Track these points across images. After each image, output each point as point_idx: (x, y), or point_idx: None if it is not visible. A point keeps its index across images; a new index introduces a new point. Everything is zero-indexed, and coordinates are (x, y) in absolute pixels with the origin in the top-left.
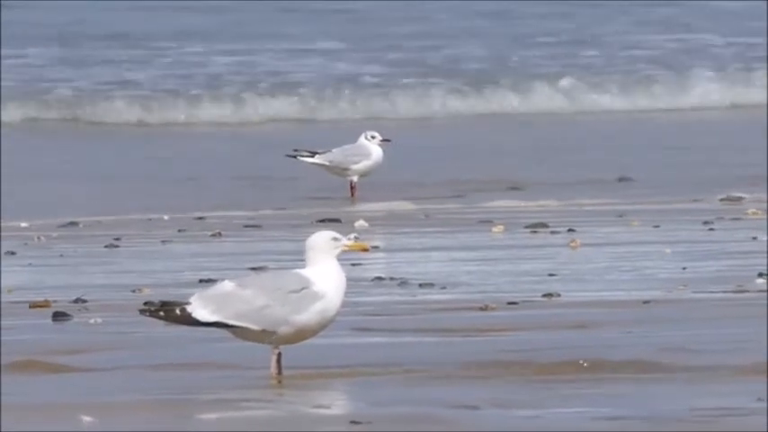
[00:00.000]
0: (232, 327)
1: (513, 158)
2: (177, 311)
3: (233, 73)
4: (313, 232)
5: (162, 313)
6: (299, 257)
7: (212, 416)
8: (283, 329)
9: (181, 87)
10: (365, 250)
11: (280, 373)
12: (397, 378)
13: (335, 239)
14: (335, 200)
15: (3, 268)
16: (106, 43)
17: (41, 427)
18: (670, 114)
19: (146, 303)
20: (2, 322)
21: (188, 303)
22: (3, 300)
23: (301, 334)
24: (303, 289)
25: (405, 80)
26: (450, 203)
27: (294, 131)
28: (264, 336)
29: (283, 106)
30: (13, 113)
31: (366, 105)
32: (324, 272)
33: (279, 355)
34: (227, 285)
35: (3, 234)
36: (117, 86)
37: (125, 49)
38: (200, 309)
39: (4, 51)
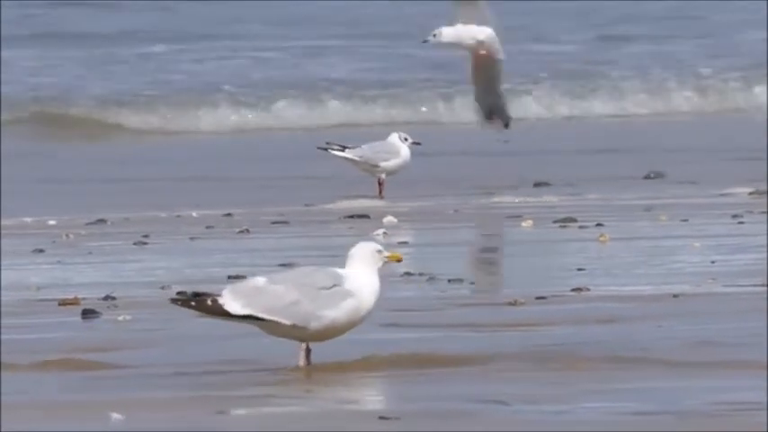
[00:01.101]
0: (263, 320)
1: (539, 158)
2: (209, 302)
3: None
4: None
5: (193, 303)
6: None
7: (241, 412)
8: (313, 325)
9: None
10: (399, 261)
11: (308, 364)
12: (426, 373)
13: (379, 252)
14: (364, 196)
15: (31, 266)
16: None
17: (71, 425)
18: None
19: (178, 293)
20: (32, 320)
21: (219, 295)
22: (32, 297)
23: (331, 330)
24: (334, 286)
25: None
26: (479, 199)
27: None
28: (295, 331)
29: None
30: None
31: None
32: (359, 273)
33: (308, 348)
34: (258, 280)
35: (32, 232)
36: (127, 90)
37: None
38: (231, 301)
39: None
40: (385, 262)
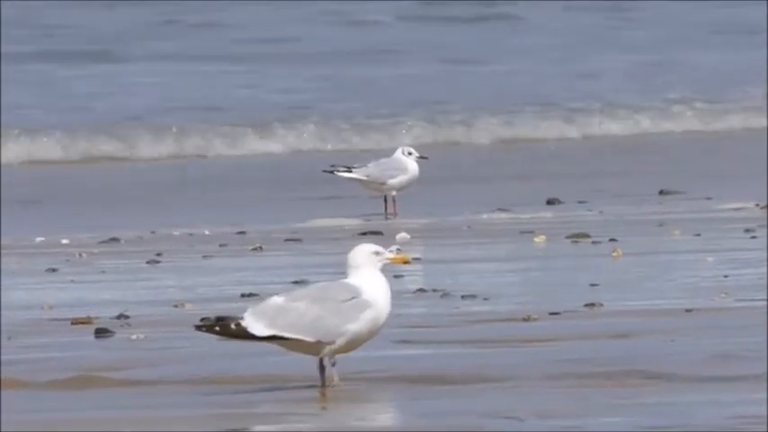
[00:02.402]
0: (287, 339)
1: (549, 177)
2: (233, 326)
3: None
4: (354, 245)
5: (218, 328)
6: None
7: (257, 430)
8: (338, 340)
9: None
10: (406, 262)
11: (324, 381)
12: (440, 390)
13: (377, 253)
14: (377, 213)
15: (44, 285)
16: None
17: None
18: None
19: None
20: (45, 339)
21: (242, 318)
22: (45, 317)
23: (354, 343)
24: (353, 298)
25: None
26: (492, 215)
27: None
28: (319, 347)
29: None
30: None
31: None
32: (370, 281)
33: (322, 365)
34: (277, 300)
35: (46, 251)
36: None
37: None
38: (254, 323)
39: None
40: (386, 263)
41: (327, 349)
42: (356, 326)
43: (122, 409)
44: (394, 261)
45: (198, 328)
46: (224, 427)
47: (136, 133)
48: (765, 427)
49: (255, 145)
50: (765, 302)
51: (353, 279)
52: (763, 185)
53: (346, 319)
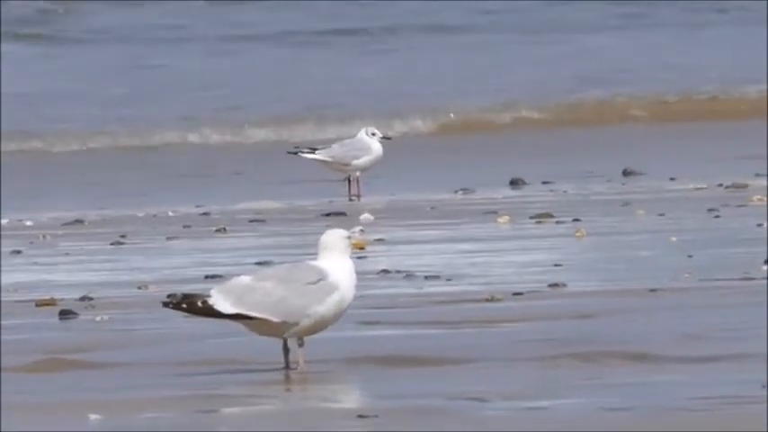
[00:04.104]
0: (251, 319)
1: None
2: (199, 304)
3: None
4: (321, 226)
5: (185, 305)
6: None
7: (220, 412)
8: (303, 321)
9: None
10: (361, 248)
11: (288, 363)
12: (403, 371)
13: (349, 238)
14: (340, 193)
15: (8, 267)
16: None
17: (50, 426)
18: None
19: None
20: (9, 321)
21: (209, 296)
22: (9, 299)
23: (319, 325)
24: (320, 280)
25: None
26: (456, 196)
27: None
28: (284, 327)
29: None
30: None
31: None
32: (337, 264)
33: (286, 346)
34: (244, 279)
35: (9, 233)
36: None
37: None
38: (221, 301)
39: None
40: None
41: (292, 330)
42: (322, 308)
43: (88, 392)
44: (354, 247)
45: (165, 304)
46: (189, 409)
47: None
48: (727, 406)
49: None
50: (732, 282)
51: (321, 261)
52: (726, 166)
53: (312, 300)
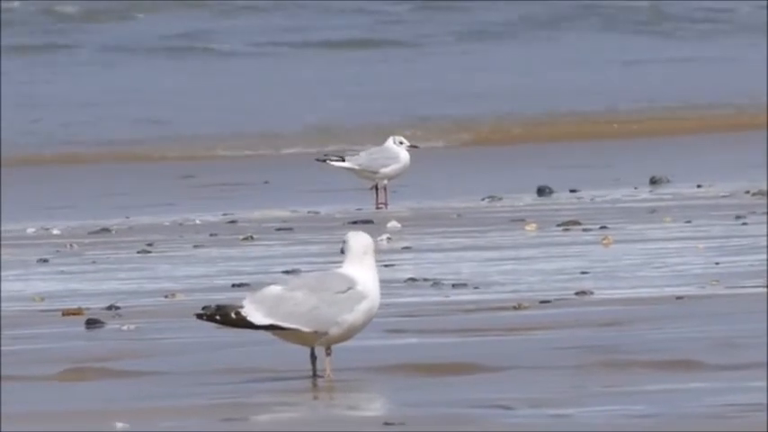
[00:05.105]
0: (284, 329)
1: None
2: (233, 315)
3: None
4: (346, 233)
5: (218, 317)
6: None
7: (248, 419)
8: (333, 330)
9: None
10: None
11: (315, 371)
12: (430, 379)
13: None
14: (367, 201)
15: (35, 276)
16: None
17: None
18: None
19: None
20: (36, 330)
21: (241, 307)
22: (36, 308)
23: (349, 333)
24: (349, 289)
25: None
26: (482, 203)
27: None
28: (315, 337)
29: None
30: None
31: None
32: (364, 271)
33: (314, 355)
34: (275, 289)
35: (37, 242)
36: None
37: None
38: (253, 312)
39: None
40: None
41: (322, 339)
42: (352, 316)
43: (114, 401)
44: None
45: (199, 316)
46: (216, 417)
47: None
48: (755, 413)
49: None
50: (759, 289)
51: (348, 269)
52: (753, 173)
53: (342, 309)
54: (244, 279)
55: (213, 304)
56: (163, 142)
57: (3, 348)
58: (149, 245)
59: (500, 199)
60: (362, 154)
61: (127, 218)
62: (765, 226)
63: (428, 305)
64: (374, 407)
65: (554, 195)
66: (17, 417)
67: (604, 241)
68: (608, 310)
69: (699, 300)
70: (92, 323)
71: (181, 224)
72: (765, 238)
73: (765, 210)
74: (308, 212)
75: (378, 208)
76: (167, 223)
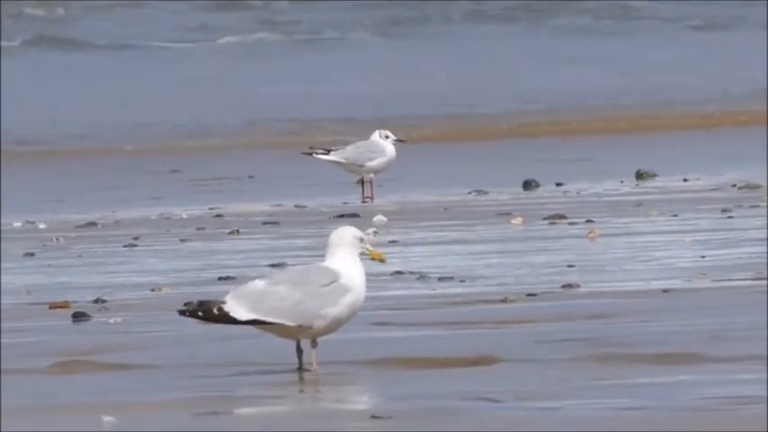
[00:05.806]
0: (267, 324)
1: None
2: (215, 311)
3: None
4: (334, 227)
5: (200, 313)
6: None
7: (232, 413)
8: (318, 323)
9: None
10: (382, 261)
11: (301, 365)
12: (417, 372)
13: (361, 240)
14: (353, 194)
15: (22, 270)
16: None
17: (64, 427)
18: None
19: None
20: (22, 324)
21: (224, 302)
22: (22, 301)
23: (333, 326)
24: (332, 282)
25: None
26: (469, 197)
27: None
28: (300, 331)
29: None
30: None
31: None
32: (348, 265)
33: (300, 348)
34: (258, 283)
35: (22, 236)
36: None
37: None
38: (236, 307)
39: None
40: (365, 254)
41: (307, 332)
42: (336, 310)
43: (100, 393)
44: (372, 256)
45: (181, 312)
46: (202, 410)
47: None
48: (742, 406)
49: None
50: (745, 282)
51: (332, 262)
52: (739, 167)
53: (326, 302)
54: (230, 273)
55: (195, 300)
56: (149, 138)
57: None
58: (136, 239)
59: (486, 193)
60: (349, 147)
61: (113, 212)
62: (751, 219)
63: (415, 298)
64: (361, 400)
65: (540, 189)
66: (5, 410)
67: (590, 235)
68: (595, 303)
69: (685, 293)
70: (78, 316)
71: (167, 218)
72: (751, 231)
73: (751, 203)
74: (295, 206)
75: (364, 202)
76: (154, 217)
